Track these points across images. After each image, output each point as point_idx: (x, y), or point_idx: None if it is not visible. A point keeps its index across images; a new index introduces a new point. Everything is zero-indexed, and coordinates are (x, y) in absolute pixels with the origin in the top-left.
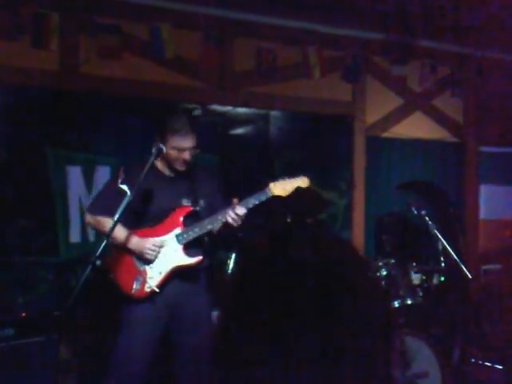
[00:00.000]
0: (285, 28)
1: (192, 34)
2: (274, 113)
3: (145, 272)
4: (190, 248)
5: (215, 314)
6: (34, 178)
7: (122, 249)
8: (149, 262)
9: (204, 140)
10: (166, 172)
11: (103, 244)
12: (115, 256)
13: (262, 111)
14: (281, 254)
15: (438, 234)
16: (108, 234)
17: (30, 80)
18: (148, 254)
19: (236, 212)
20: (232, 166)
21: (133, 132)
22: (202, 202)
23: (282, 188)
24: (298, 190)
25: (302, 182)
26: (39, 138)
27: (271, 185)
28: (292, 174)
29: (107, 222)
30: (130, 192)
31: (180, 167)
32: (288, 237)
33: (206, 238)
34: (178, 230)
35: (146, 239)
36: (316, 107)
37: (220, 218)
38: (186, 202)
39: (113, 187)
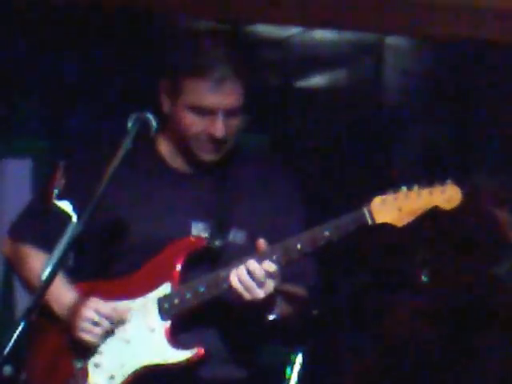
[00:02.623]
0: None
1: None
2: (392, 40)
3: (84, 373)
4: (184, 328)
5: None
6: None
7: (51, 318)
8: (89, 351)
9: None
10: (177, 164)
11: (19, 328)
12: (36, 334)
13: (366, 37)
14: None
15: None
16: (40, 291)
17: None
18: (84, 329)
19: (250, 268)
20: (300, 158)
21: (93, 84)
22: (234, 234)
23: (396, 208)
24: (436, 212)
25: (446, 196)
26: None
27: (376, 202)
28: (427, 173)
29: (36, 259)
30: (78, 216)
31: (206, 154)
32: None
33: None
34: (165, 288)
35: (89, 300)
36: (488, 29)
37: (223, 275)
38: (198, 230)
39: (49, 202)
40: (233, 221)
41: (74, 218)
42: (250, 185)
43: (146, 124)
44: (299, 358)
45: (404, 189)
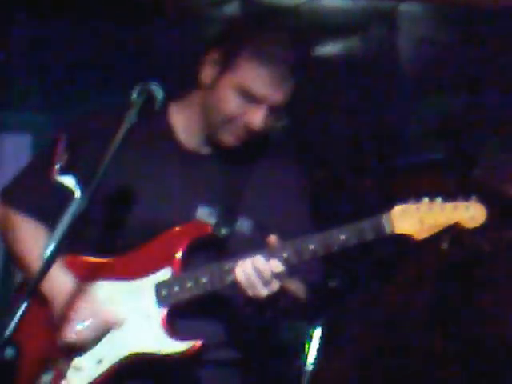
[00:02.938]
0: None
1: None
2: (406, 7)
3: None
4: (180, 317)
5: None
6: None
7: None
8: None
9: None
10: (189, 142)
11: (21, 309)
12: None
13: (379, 3)
14: None
15: None
16: (42, 269)
17: None
18: (75, 331)
19: (257, 265)
20: (313, 128)
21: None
22: (241, 222)
23: (417, 220)
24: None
25: (471, 213)
26: None
27: (397, 210)
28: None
29: (30, 230)
30: (82, 192)
31: (229, 139)
32: None
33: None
34: (165, 273)
35: (84, 299)
36: None
37: (227, 267)
38: (203, 215)
39: (49, 176)
40: (241, 209)
41: (78, 194)
42: (260, 174)
43: (151, 96)
44: (318, 332)
45: (426, 200)
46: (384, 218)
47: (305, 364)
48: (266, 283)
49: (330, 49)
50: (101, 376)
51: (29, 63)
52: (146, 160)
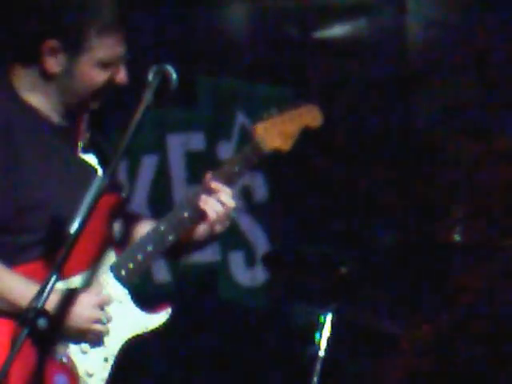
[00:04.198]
0: None
1: None
2: None
3: (72, 365)
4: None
5: None
6: None
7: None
8: (62, 341)
9: (262, 57)
10: (59, 119)
11: (51, 281)
12: None
13: None
14: None
15: None
16: (70, 244)
17: None
18: (96, 331)
19: (221, 197)
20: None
21: None
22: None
23: (277, 134)
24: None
25: (312, 115)
26: None
27: (259, 131)
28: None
29: None
30: (104, 172)
31: (98, 103)
32: None
33: None
34: (110, 255)
35: (87, 299)
36: None
37: (186, 214)
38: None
39: None
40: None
41: (100, 174)
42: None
43: (166, 77)
44: (329, 318)
45: (275, 112)
46: (257, 139)
47: (317, 350)
48: (227, 215)
49: (336, 31)
50: (110, 372)
51: None
52: (32, 145)
